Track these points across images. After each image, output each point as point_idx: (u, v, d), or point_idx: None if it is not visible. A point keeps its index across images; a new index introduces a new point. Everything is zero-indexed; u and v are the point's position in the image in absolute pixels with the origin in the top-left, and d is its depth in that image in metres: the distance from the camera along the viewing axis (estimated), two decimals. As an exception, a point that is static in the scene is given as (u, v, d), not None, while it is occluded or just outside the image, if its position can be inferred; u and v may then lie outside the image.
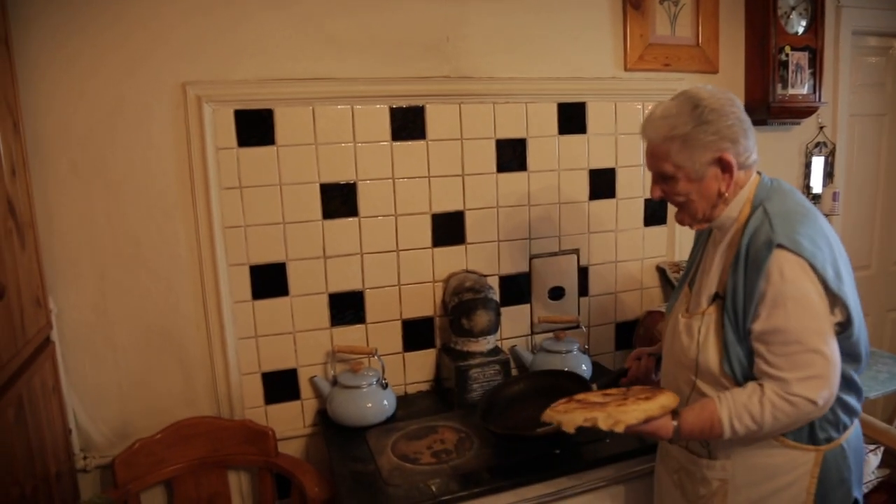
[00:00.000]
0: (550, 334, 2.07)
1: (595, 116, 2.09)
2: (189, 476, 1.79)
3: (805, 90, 2.29)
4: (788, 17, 2.24)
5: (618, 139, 2.14)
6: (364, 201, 1.88)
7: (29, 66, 1.56)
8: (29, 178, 1.52)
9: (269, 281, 1.83)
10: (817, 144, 2.50)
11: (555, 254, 2.12)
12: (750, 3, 2.27)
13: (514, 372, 2.07)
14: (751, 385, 1.17)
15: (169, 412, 1.79)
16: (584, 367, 1.96)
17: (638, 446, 1.58)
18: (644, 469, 1.58)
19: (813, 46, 2.28)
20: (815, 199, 2.51)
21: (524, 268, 2.10)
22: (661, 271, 2.27)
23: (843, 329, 1.17)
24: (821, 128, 2.48)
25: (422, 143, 1.92)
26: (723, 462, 1.27)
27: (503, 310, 2.00)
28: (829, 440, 1.22)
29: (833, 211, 2.46)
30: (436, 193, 1.95)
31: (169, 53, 1.67)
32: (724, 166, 1.21)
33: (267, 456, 1.79)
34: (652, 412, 1.18)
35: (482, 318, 1.85)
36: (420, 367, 2.04)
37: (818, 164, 2.50)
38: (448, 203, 1.97)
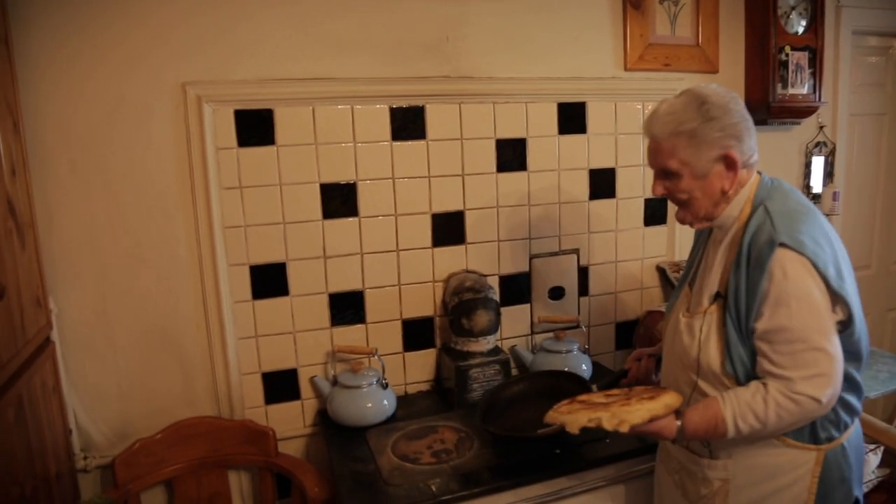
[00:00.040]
0: (550, 334, 2.06)
1: (595, 116, 2.09)
2: (189, 476, 1.79)
3: (805, 90, 2.29)
4: (788, 16, 2.24)
5: (618, 139, 2.14)
6: (364, 201, 1.88)
7: (29, 66, 1.56)
8: (29, 178, 1.52)
9: (269, 281, 1.83)
10: (817, 144, 2.50)
11: (555, 253, 2.12)
12: (750, 2, 2.26)
13: (514, 372, 2.07)
14: (754, 384, 1.17)
15: (169, 412, 1.79)
16: (584, 366, 1.96)
17: (638, 446, 1.58)
18: (644, 469, 1.58)
19: (813, 46, 2.28)
20: (815, 198, 2.51)
21: (524, 268, 2.10)
22: (661, 271, 2.27)
23: (845, 327, 1.17)
24: (821, 127, 2.48)
25: (422, 142, 1.92)
26: (724, 462, 1.27)
27: (503, 310, 2.00)
28: (830, 439, 1.22)
29: (833, 211, 2.46)
30: (436, 193, 1.95)
31: (169, 53, 1.67)
32: (729, 164, 1.21)
33: (267, 456, 1.79)
34: (656, 412, 1.18)
35: (482, 318, 1.85)
36: (420, 367, 2.03)
37: (818, 163, 2.50)
38: (448, 203, 1.97)
